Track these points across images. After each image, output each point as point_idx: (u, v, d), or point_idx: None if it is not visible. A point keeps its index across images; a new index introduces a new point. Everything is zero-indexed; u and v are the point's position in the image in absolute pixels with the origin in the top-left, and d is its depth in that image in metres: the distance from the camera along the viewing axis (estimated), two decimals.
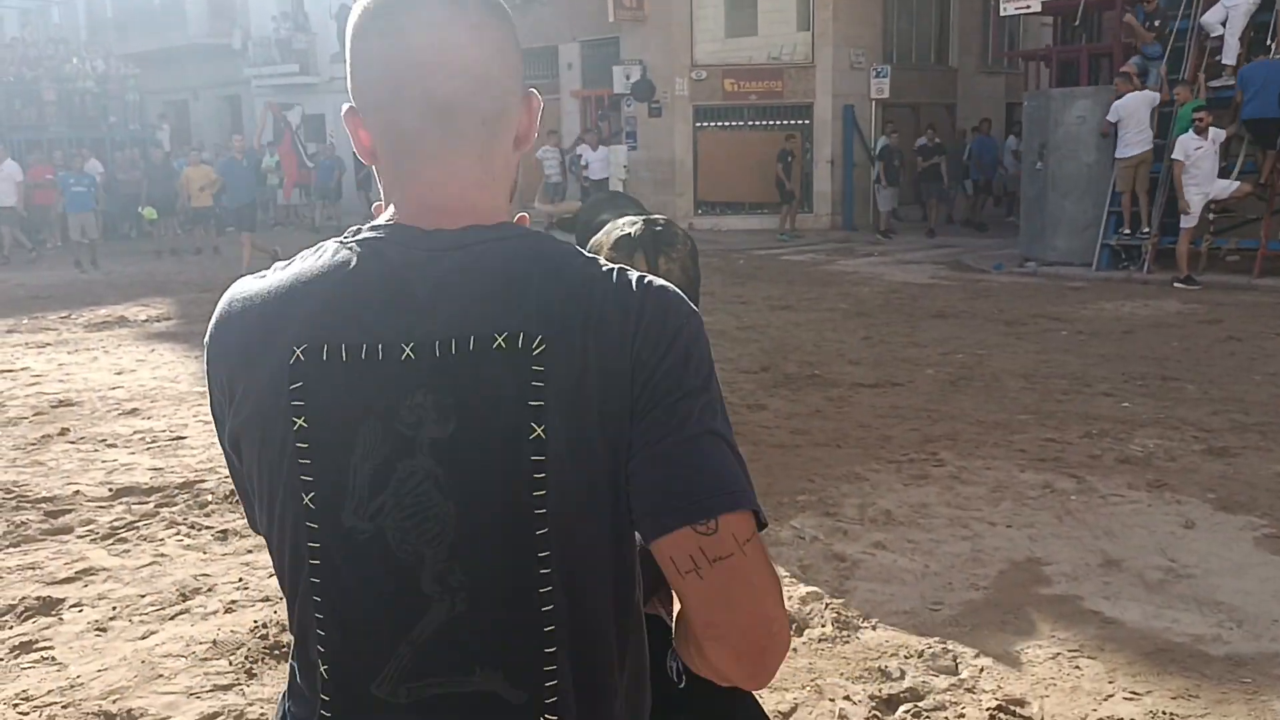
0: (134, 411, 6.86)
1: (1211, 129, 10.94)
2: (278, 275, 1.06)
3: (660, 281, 1.03)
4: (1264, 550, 4.28)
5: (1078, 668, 3.35)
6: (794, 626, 3.69)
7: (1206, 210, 11.28)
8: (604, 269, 1.03)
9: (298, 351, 1.00)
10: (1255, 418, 6.12)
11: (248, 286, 1.07)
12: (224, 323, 1.06)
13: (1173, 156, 11.19)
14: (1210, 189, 11.03)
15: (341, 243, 1.05)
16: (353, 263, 1.02)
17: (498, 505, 0.98)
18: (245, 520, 4.69)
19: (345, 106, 1.07)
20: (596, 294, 1.00)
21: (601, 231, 5.67)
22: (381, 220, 1.07)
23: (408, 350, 0.98)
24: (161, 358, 8.70)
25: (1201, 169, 10.97)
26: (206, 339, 1.08)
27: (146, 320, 10.65)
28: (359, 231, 1.05)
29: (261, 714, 3.15)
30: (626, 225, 5.46)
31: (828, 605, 3.81)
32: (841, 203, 19.35)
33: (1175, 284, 11.14)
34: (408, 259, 1.01)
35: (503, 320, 0.98)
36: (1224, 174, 11.39)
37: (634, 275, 1.03)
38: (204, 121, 29.75)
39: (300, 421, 0.99)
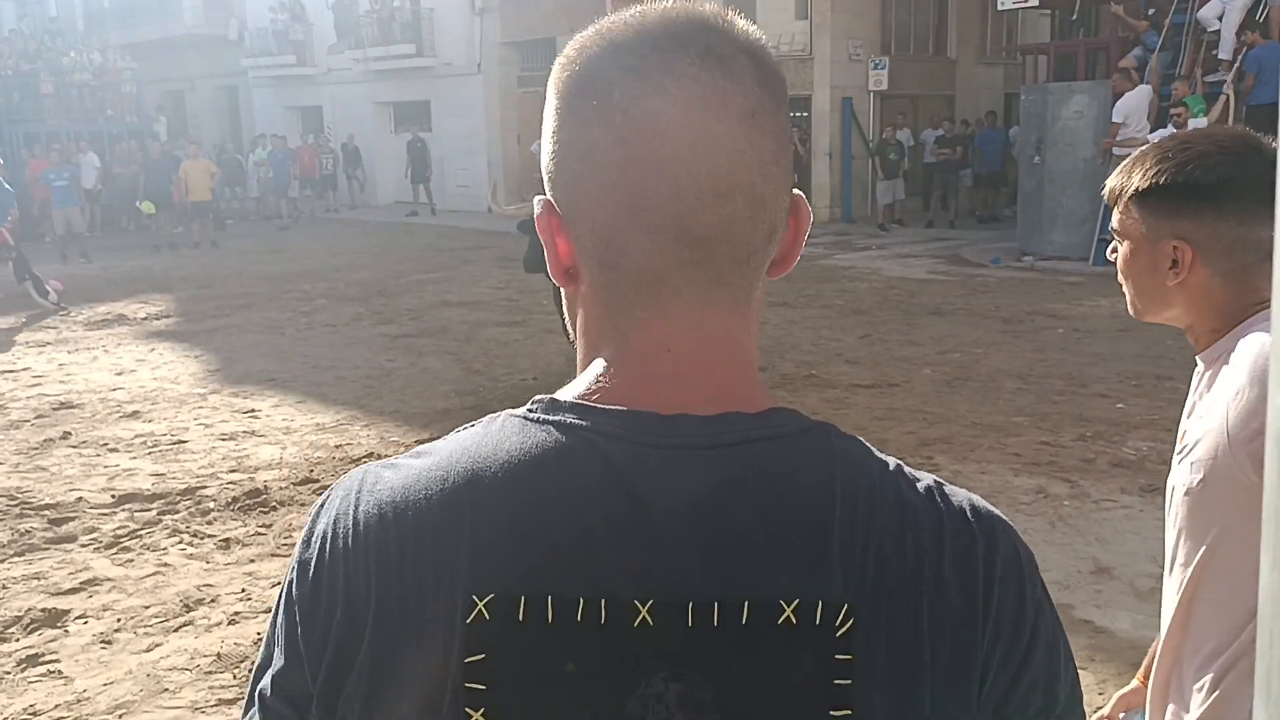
0: (135, 414, 6.91)
1: (1190, 122, 10.97)
2: (434, 468, 0.69)
3: (990, 511, 0.72)
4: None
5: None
6: None
7: None
8: (920, 488, 0.71)
9: (480, 604, 0.65)
10: None
11: (388, 482, 0.70)
12: (355, 539, 0.69)
13: None
14: None
15: (528, 418, 0.70)
16: (556, 460, 0.67)
17: None
18: (245, 529, 4.69)
19: (539, 201, 0.76)
20: (925, 537, 0.69)
21: None
22: (583, 386, 0.71)
23: (644, 611, 0.65)
24: (161, 357, 8.74)
25: None
26: (310, 554, 0.71)
27: (146, 318, 10.69)
28: (553, 404, 0.70)
29: None
30: None
31: None
32: (840, 195, 19.37)
33: None
34: (639, 461, 0.67)
35: (793, 576, 0.65)
36: None
37: (963, 501, 0.72)
38: (201, 112, 29.73)
39: (478, 716, 0.65)
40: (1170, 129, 11.05)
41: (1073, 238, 12.89)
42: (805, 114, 19.17)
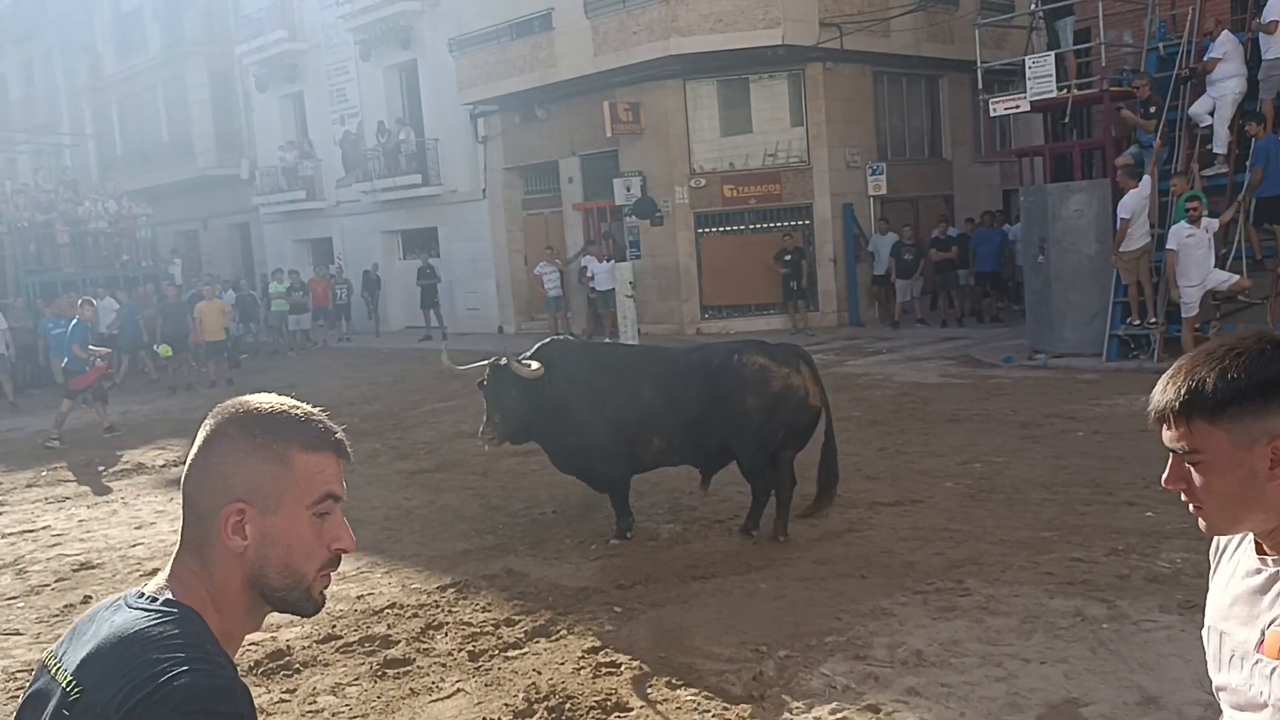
0: (154, 572, 6.84)
1: (1204, 218, 11.08)
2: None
3: None
4: None
5: None
6: None
7: (1208, 297, 11.35)
8: None
9: None
10: None
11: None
12: None
13: (1167, 246, 11.32)
14: (1207, 278, 11.13)
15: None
16: None
17: None
18: (270, 695, 4.62)
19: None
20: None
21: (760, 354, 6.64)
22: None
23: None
24: (179, 507, 8.71)
25: (1194, 256, 11.09)
26: None
27: (164, 465, 10.71)
28: None
29: None
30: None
31: None
32: (846, 300, 19.51)
33: None
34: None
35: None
36: (1223, 262, 11.50)
37: None
38: (215, 250, 30.35)
39: None
40: (1184, 223, 11.14)
41: (1083, 335, 12.91)
42: (807, 222, 19.45)
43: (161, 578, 1.35)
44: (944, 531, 6.46)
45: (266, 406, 1.38)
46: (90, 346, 12.83)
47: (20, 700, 1.33)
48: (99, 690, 1.22)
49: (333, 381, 16.55)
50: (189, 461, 1.37)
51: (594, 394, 6.70)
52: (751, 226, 19.68)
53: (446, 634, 5.39)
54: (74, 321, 12.82)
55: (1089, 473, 7.59)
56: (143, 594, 1.33)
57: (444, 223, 24.06)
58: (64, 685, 1.26)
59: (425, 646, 5.24)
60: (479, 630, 5.40)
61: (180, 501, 1.39)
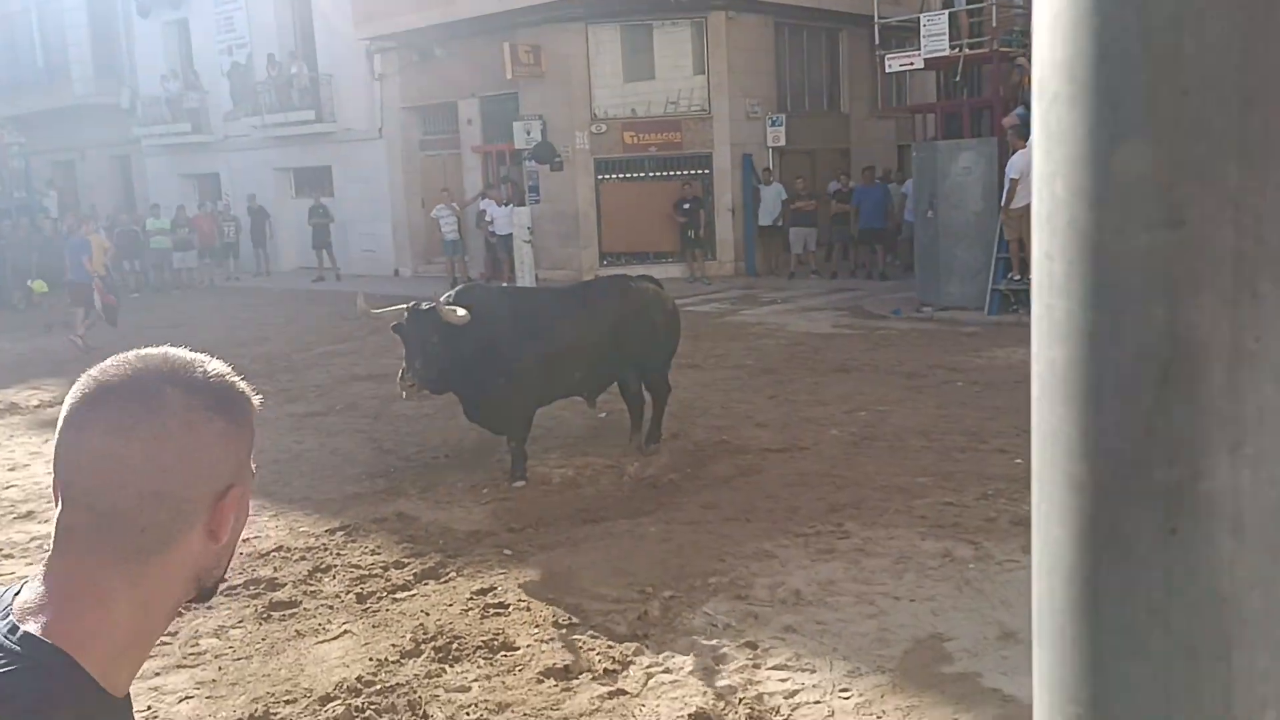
0: (29, 514, 6.67)
1: None
2: None
3: None
4: None
5: None
6: None
7: None
8: None
9: None
10: None
11: None
12: None
13: None
14: None
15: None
16: None
17: None
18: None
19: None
20: None
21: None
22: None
23: None
24: None
25: None
26: None
27: (39, 405, 10.33)
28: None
29: None
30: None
31: (741, 700, 3.91)
32: (743, 250, 19.73)
33: None
34: None
35: None
36: None
37: None
38: (94, 182, 28.99)
39: None
40: None
41: (968, 289, 13.34)
42: (707, 171, 19.55)
43: (33, 595, 1.03)
44: (827, 477, 6.68)
45: (208, 369, 1.09)
46: None
47: None
48: None
49: (220, 322, 16.10)
50: (95, 456, 1.02)
51: (520, 335, 6.77)
52: (651, 174, 19.70)
53: (334, 577, 5.39)
54: None
55: (966, 421, 7.92)
56: (5, 609, 1.03)
57: (338, 161, 23.45)
58: None
59: (312, 589, 5.24)
60: (367, 573, 5.41)
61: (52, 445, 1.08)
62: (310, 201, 22.57)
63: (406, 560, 5.54)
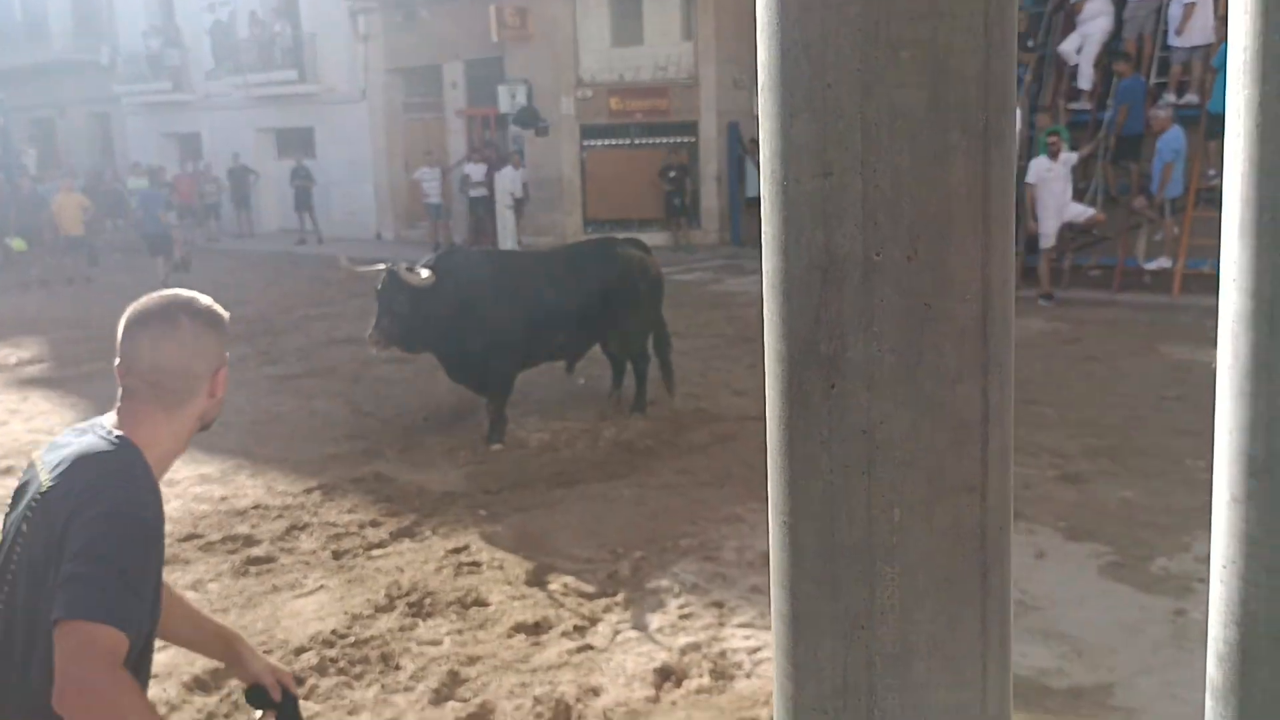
0: (8, 470, 6.69)
1: (1062, 153, 11.58)
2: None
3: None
4: (1106, 579, 4.63)
5: None
6: (673, 678, 3.89)
7: (1065, 230, 11.93)
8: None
9: None
10: (1107, 441, 6.56)
11: None
12: None
13: (1027, 180, 11.82)
14: (1064, 211, 11.68)
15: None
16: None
17: None
18: None
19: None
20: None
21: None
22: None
23: None
24: (35, 407, 8.47)
25: (1052, 190, 11.61)
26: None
27: (17, 364, 10.32)
28: None
29: None
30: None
31: (704, 655, 4.01)
32: (728, 219, 19.75)
33: (1039, 301, 11.76)
34: None
35: None
36: (1082, 196, 12.07)
37: None
38: (73, 140, 28.73)
39: None
40: (1044, 157, 11.64)
41: None
42: (693, 139, 19.53)
43: (111, 419, 1.87)
44: None
45: (190, 299, 1.94)
46: None
47: (15, 487, 1.91)
48: (60, 488, 1.75)
49: (199, 283, 15.94)
50: (151, 344, 1.86)
51: (501, 298, 6.84)
52: (637, 141, 19.65)
53: (311, 534, 5.46)
54: None
55: None
56: (104, 426, 1.86)
57: (321, 123, 23.28)
58: (42, 480, 1.80)
59: (289, 546, 5.30)
60: (344, 531, 5.48)
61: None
62: (292, 163, 22.43)
63: (382, 519, 5.61)
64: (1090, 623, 4.20)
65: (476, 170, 19.15)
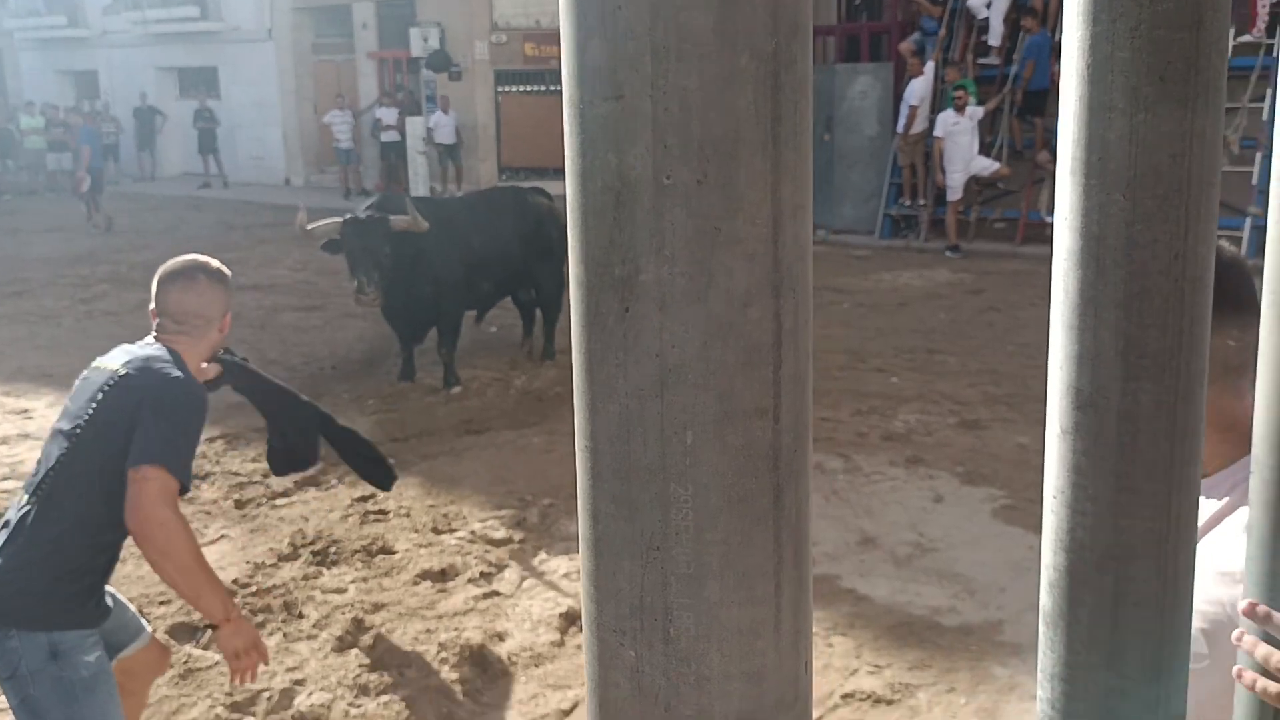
0: None
1: (969, 107, 11.76)
2: None
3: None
4: (1000, 521, 4.80)
5: (830, 645, 3.72)
6: (578, 623, 3.93)
7: (972, 183, 12.16)
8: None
9: None
10: (1005, 389, 6.76)
11: None
12: None
13: (935, 133, 12.00)
14: (971, 164, 11.90)
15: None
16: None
17: None
18: None
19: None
20: None
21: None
22: None
23: None
24: None
25: (959, 144, 11.81)
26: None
27: None
28: None
29: None
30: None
31: None
32: None
33: (946, 253, 12.00)
34: None
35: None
36: (988, 150, 12.29)
37: None
38: None
39: None
40: (950, 111, 11.81)
41: (861, 212, 13.60)
42: None
43: (152, 338, 2.54)
44: None
45: (205, 262, 2.65)
46: None
47: (74, 386, 2.52)
48: (136, 375, 2.40)
49: (88, 225, 15.47)
50: (179, 294, 2.56)
51: (444, 244, 6.78)
52: (553, 88, 19.39)
53: (213, 483, 5.36)
54: None
55: (848, 341, 8.16)
56: (155, 344, 2.51)
57: (225, 63, 22.47)
58: (113, 370, 2.42)
59: (190, 495, 5.19)
60: (247, 480, 5.40)
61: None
62: (195, 104, 21.65)
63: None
64: (983, 563, 4.35)
65: (388, 114, 18.71)
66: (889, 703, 3.39)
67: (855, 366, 7.41)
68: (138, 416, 2.30)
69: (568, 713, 3.41)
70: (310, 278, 11.00)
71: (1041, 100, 12.31)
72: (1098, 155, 0.67)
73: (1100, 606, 0.72)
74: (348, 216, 6.59)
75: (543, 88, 19.38)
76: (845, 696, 3.44)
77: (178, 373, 2.40)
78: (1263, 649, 0.94)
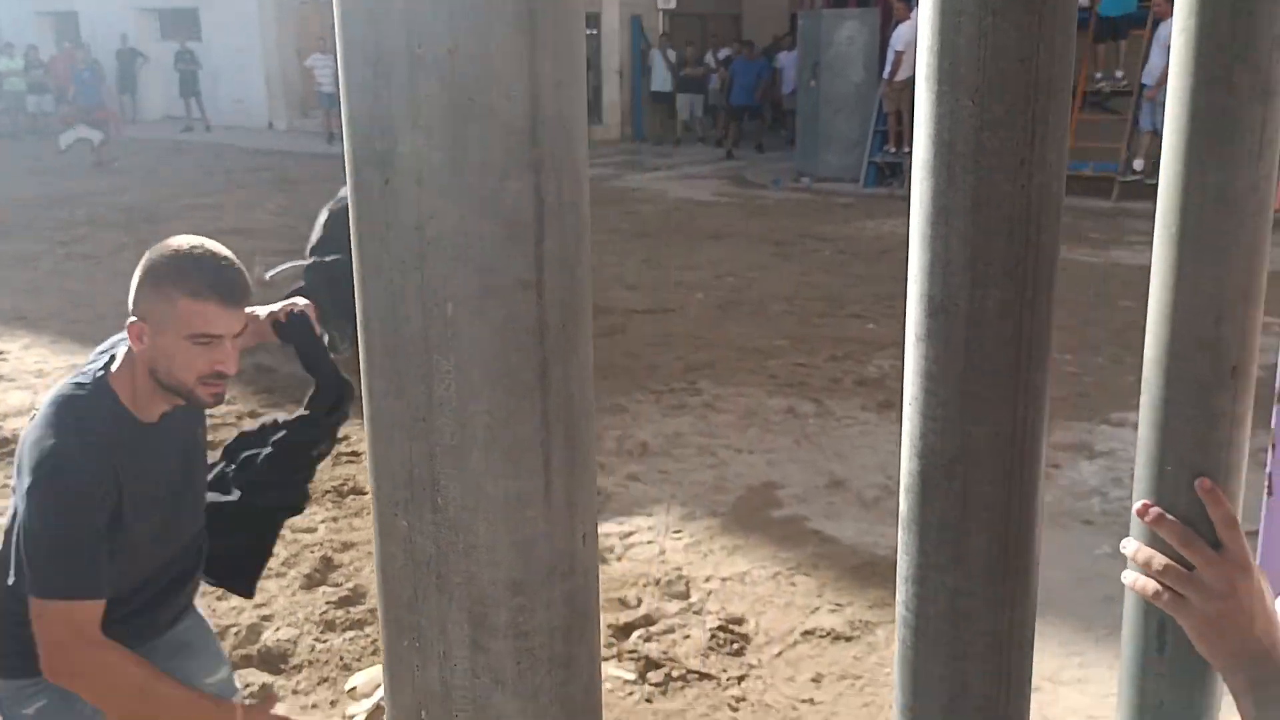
0: None
1: None
2: None
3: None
4: None
5: (793, 584, 3.78)
6: None
7: None
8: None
9: None
10: None
11: None
12: None
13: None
14: None
15: None
16: None
17: None
18: None
19: None
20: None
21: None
22: None
23: None
24: None
25: None
26: None
27: None
28: None
29: None
30: None
31: None
32: (631, 114, 19.52)
33: None
34: None
35: None
36: None
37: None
38: None
39: None
40: None
41: (846, 160, 13.53)
42: (594, 32, 19.11)
43: (120, 352, 1.83)
44: (689, 338, 6.85)
45: (172, 249, 1.72)
46: None
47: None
48: (21, 440, 1.75)
49: (76, 170, 15.33)
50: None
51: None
52: None
53: None
54: None
55: (828, 288, 8.16)
56: (98, 364, 1.83)
57: (206, 4, 22.14)
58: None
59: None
60: (220, 421, 5.39)
61: None
62: (176, 46, 21.34)
63: (262, 410, 5.54)
64: None
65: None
66: (847, 639, 3.45)
67: (834, 313, 7.43)
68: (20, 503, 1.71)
69: None
70: (290, 222, 10.91)
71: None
72: (949, 60, 0.68)
73: (949, 510, 0.73)
74: (311, 260, 5.74)
75: None
76: (805, 633, 3.50)
77: (44, 447, 1.68)
78: (1144, 552, 0.97)
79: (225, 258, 1.75)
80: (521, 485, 0.41)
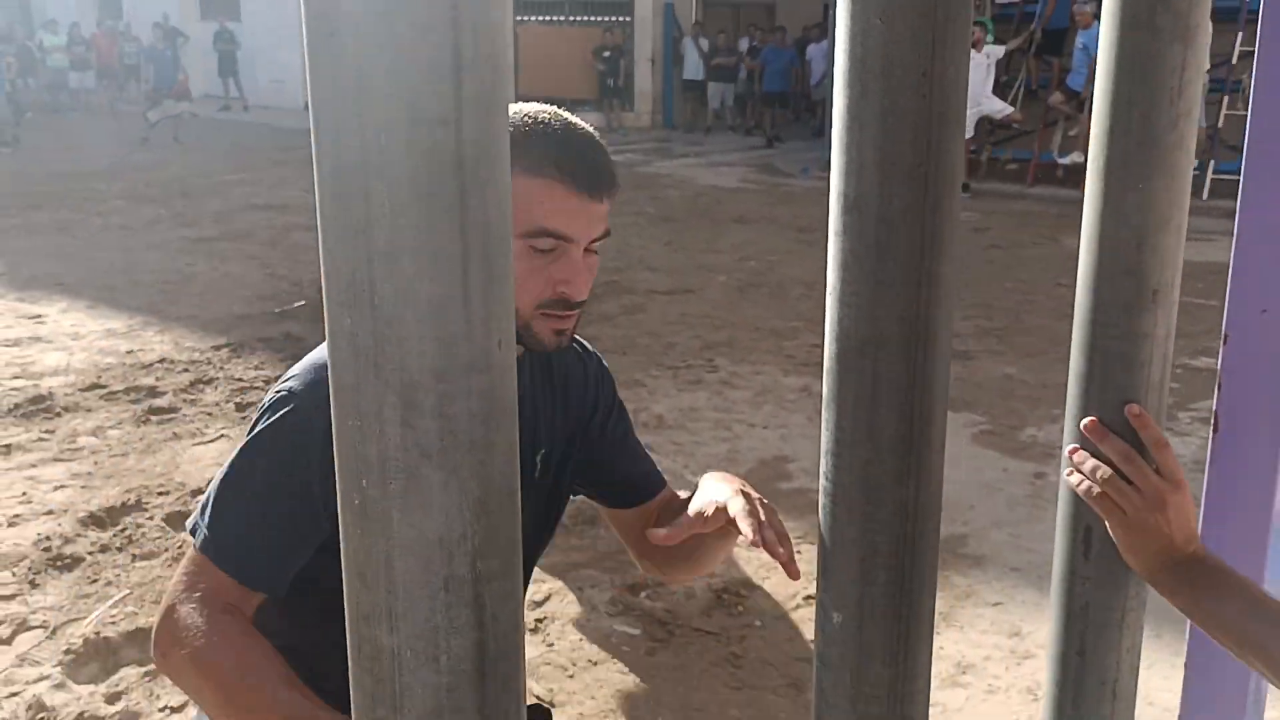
0: None
1: (987, 46, 11.65)
2: None
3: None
4: (977, 445, 4.90)
5: (798, 552, 3.83)
6: None
7: (983, 124, 12.08)
8: None
9: None
10: (997, 322, 6.82)
11: None
12: None
13: None
14: (982, 104, 11.80)
15: None
16: None
17: None
18: (29, 434, 4.68)
19: None
20: None
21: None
22: None
23: None
24: None
25: (971, 81, 11.69)
26: None
27: None
28: None
29: (44, 620, 3.32)
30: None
31: (578, 507, 4.20)
32: (662, 102, 19.58)
33: None
34: None
35: None
36: (1005, 89, 12.19)
37: None
38: None
39: None
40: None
41: None
42: (628, 19, 19.18)
43: None
44: (708, 318, 6.94)
45: (521, 114, 1.18)
46: None
47: None
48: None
49: (116, 145, 15.61)
50: None
51: None
52: (571, 19, 19.27)
53: (216, 388, 5.52)
54: None
55: None
56: None
57: None
58: None
59: (192, 398, 5.37)
60: (249, 385, 5.55)
61: None
62: (215, 26, 21.62)
63: None
64: (956, 481, 4.45)
65: None
66: None
67: None
68: None
69: (539, 603, 3.57)
70: None
71: (1060, 40, 12.19)
72: None
73: (861, 388, 0.82)
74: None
75: (560, 18, 19.25)
76: (807, 598, 3.58)
77: (286, 387, 1.25)
78: (1091, 462, 1.07)
79: (586, 131, 1.23)
80: (443, 290, 0.51)
